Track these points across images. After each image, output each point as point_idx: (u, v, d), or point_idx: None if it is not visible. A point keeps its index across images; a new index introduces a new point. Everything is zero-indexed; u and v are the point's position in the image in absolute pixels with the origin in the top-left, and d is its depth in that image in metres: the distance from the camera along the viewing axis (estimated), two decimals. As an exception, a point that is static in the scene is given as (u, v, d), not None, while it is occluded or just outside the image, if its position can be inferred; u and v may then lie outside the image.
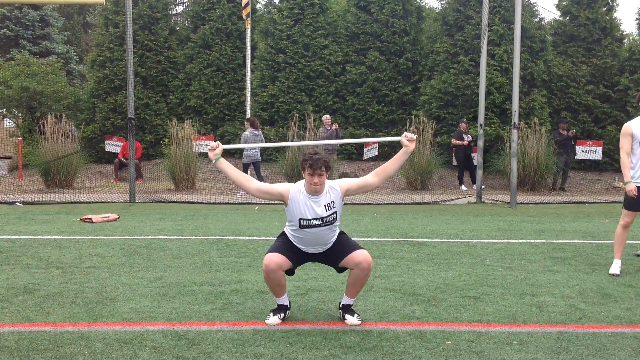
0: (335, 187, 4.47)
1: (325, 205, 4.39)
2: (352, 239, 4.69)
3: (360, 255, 4.42)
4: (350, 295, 4.57)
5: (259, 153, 14.30)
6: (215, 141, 4.68)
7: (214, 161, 4.64)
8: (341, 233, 4.64)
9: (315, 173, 4.30)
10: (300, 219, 4.40)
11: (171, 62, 18.66)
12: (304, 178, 4.46)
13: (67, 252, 7.02)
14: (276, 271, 4.37)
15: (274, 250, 4.45)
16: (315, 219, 4.38)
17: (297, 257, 4.53)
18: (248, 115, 15.82)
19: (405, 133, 4.62)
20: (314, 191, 4.37)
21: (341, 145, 16.93)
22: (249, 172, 13.98)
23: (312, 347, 3.99)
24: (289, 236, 4.56)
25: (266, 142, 14.97)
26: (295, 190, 4.44)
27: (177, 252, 7.13)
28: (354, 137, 17.41)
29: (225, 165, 4.64)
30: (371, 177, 4.57)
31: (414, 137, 4.61)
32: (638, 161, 6.20)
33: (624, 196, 6.35)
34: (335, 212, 4.44)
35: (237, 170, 4.68)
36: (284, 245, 4.52)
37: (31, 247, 7.30)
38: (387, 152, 17.48)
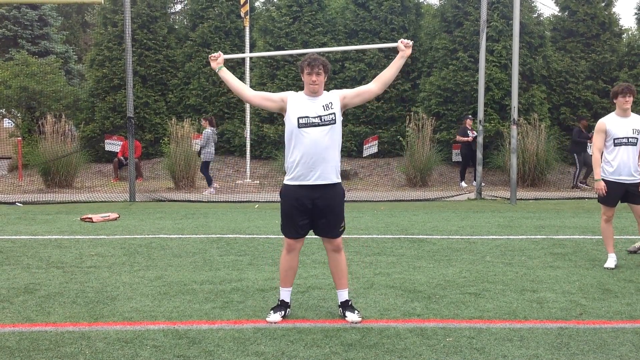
0: (334, 92, 4.63)
1: (323, 105, 4.51)
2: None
3: (331, 240, 4.61)
4: (340, 287, 4.66)
5: (214, 152, 14.47)
6: (218, 51, 4.97)
7: (216, 70, 4.84)
8: (342, 195, 4.65)
9: (313, 71, 4.45)
10: (299, 118, 4.48)
11: (170, 60, 18.66)
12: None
13: (67, 252, 7.03)
14: (295, 253, 4.61)
15: (287, 230, 4.59)
16: (314, 117, 4.47)
17: (300, 217, 4.54)
18: (247, 114, 15.82)
19: (401, 39, 4.78)
20: (313, 91, 4.51)
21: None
22: (209, 170, 14.41)
23: (313, 345, 4.00)
24: (289, 169, 4.56)
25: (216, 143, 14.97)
26: (295, 94, 4.63)
27: (178, 250, 7.13)
28: (353, 134, 17.42)
29: (227, 74, 4.84)
30: (370, 84, 4.72)
31: (410, 43, 4.76)
32: (615, 157, 6.20)
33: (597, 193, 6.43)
34: (334, 113, 4.51)
35: (238, 80, 4.89)
36: (289, 214, 4.55)
37: (31, 247, 7.31)
38: (386, 149, 17.50)
